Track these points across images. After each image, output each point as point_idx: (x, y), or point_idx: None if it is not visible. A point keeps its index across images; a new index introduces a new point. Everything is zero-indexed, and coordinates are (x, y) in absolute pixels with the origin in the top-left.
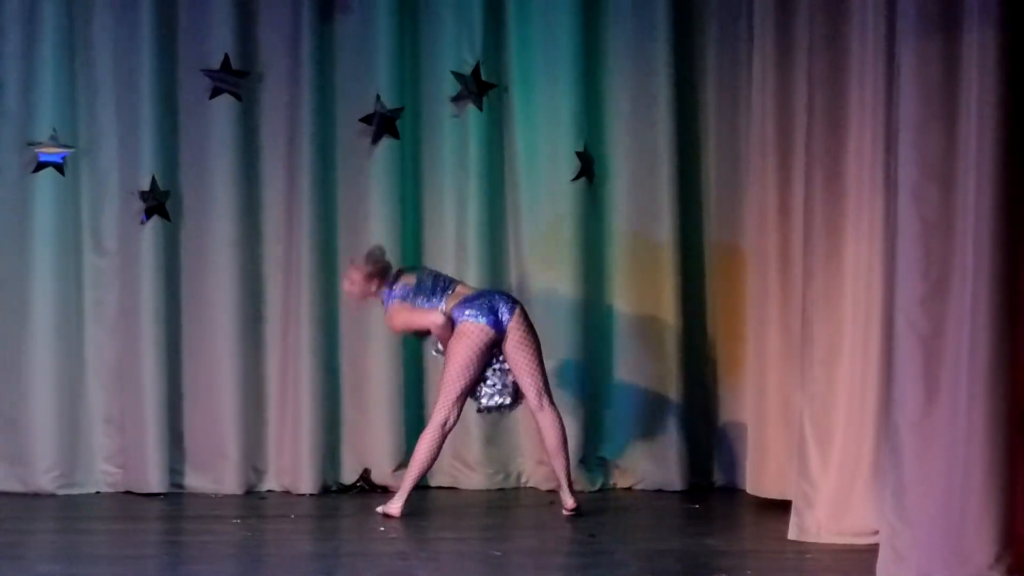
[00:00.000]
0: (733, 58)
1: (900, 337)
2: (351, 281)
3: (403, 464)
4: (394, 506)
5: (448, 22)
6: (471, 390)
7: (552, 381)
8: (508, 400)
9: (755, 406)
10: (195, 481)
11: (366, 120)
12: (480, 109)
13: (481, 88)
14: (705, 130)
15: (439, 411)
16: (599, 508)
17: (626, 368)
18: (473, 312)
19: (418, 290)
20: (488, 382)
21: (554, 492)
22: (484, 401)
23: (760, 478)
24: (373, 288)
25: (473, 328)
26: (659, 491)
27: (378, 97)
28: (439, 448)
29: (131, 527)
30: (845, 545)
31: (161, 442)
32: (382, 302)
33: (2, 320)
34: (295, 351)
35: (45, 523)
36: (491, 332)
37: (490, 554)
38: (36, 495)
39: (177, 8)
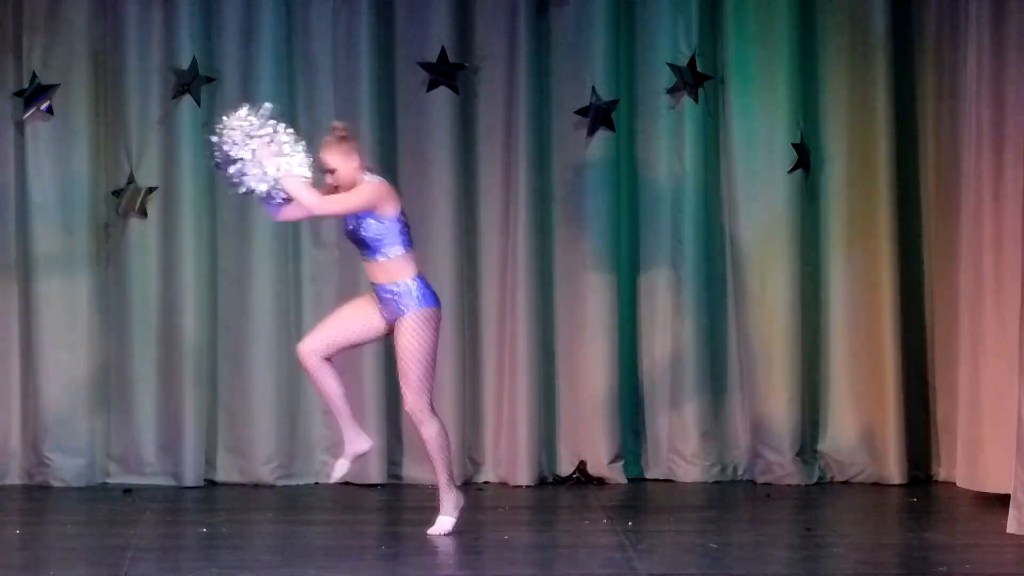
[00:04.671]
0: (952, 45)
1: None
2: (331, 162)
3: (619, 456)
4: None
5: (664, 13)
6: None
7: (768, 373)
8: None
9: (970, 398)
10: (413, 472)
11: (582, 112)
12: (695, 101)
13: (697, 80)
14: (923, 119)
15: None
16: (816, 502)
17: (843, 361)
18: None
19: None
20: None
21: (770, 485)
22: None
23: (976, 471)
24: (356, 164)
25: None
26: (876, 484)
27: (593, 89)
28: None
29: (349, 518)
30: None
31: (380, 433)
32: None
33: (224, 312)
34: (512, 342)
35: (264, 514)
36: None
37: (708, 547)
38: (256, 485)
39: (395, 2)
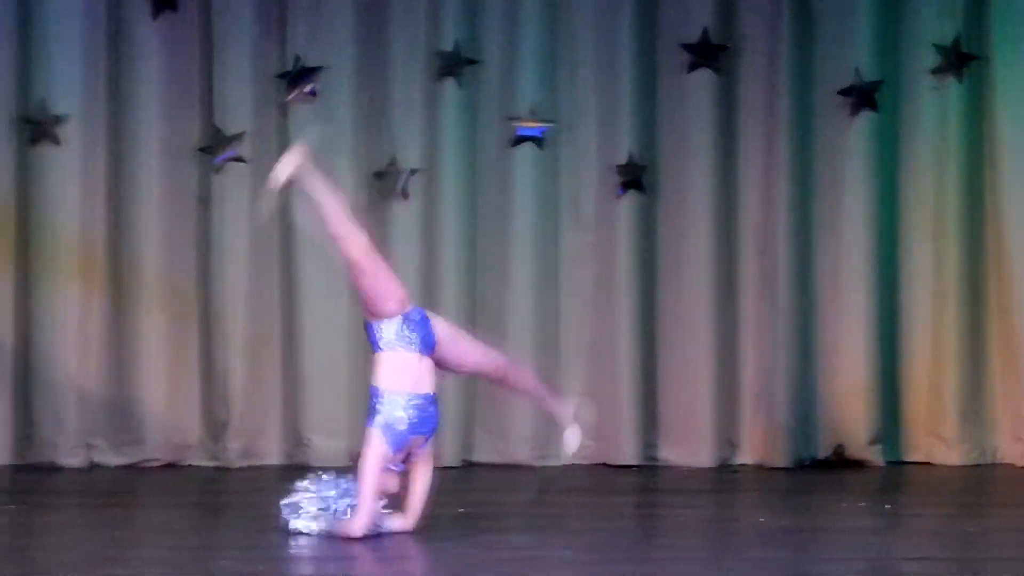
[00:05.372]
0: None
1: None
2: None
3: (877, 439)
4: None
5: None
6: None
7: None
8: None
9: None
10: (668, 454)
11: (845, 93)
12: (960, 81)
13: (961, 60)
14: None
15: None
16: None
17: None
18: None
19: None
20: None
21: None
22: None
23: None
24: None
25: None
26: None
27: (856, 70)
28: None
29: (604, 499)
30: None
31: (635, 415)
32: None
33: (482, 294)
34: (771, 323)
35: (520, 494)
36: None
37: (966, 531)
38: (513, 466)
39: None
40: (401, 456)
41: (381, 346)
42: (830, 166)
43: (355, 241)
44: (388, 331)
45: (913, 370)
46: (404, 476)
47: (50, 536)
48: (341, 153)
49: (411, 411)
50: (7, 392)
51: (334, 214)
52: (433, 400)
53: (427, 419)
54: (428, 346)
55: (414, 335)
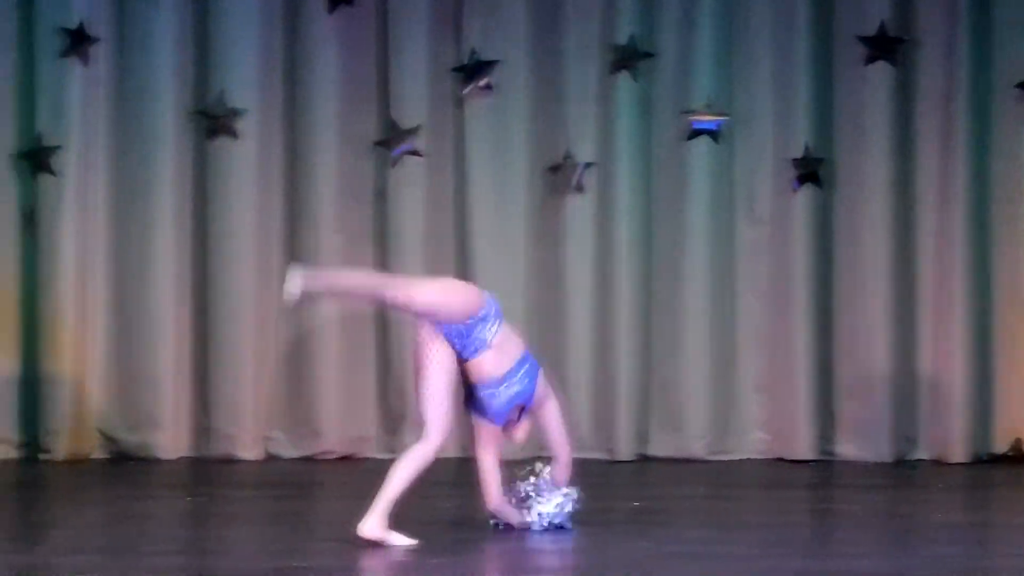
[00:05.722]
0: None
1: None
2: None
3: None
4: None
5: None
6: None
7: None
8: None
9: None
10: (845, 449)
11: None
12: None
13: None
14: None
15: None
16: None
17: None
18: None
19: None
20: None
21: None
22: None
23: None
24: None
25: None
26: None
27: None
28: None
29: (780, 494)
30: None
31: (812, 410)
32: None
33: (658, 287)
34: (947, 318)
35: (695, 489)
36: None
37: None
38: (688, 460)
39: None
40: (513, 418)
41: (488, 345)
42: (1009, 160)
43: (391, 285)
44: (481, 331)
45: None
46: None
47: (228, 528)
48: (516, 147)
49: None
50: (186, 385)
51: (358, 282)
52: (520, 367)
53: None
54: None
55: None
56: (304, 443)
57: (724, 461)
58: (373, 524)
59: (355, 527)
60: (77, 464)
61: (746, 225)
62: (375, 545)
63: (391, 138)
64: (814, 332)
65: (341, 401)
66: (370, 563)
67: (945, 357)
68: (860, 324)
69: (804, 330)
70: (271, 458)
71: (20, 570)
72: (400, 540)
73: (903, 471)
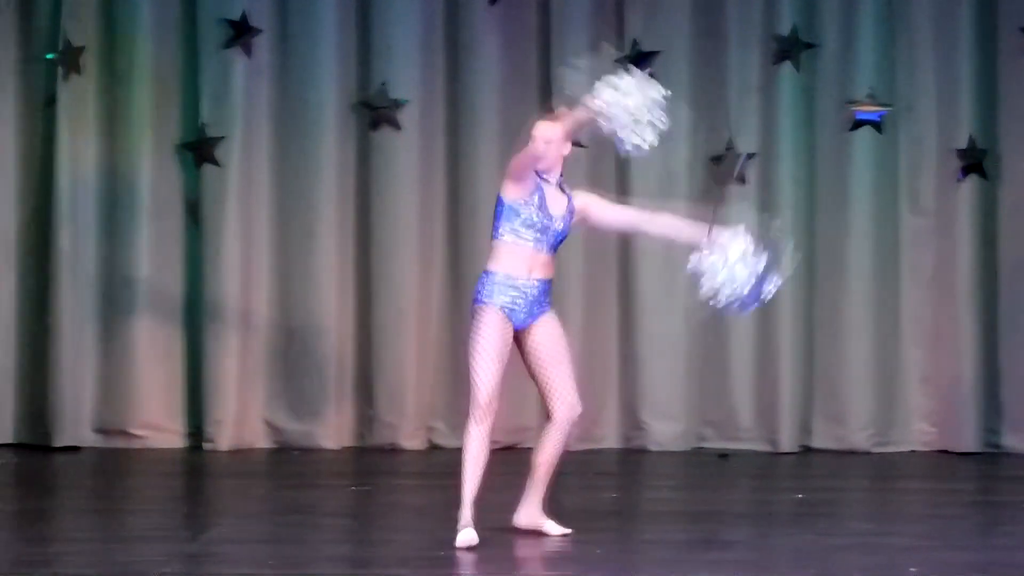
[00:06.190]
0: None
1: None
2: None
3: None
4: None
5: None
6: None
7: None
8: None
9: None
10: (1012, 440)
11: None
12: None
13: None
14: None
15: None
16: None
17: None
18: None
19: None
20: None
21: None
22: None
23: None
24: (566, 151)
25: None
26: None
27: None
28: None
29: (945, 486)
30: None
31: (976, 401)
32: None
33: (821, 279)
34: None
35: (859, 481)
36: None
37: None
38: (851, 452)
39: None
40: None
41: None
42: None
43: None
44: None
45: None
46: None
47: (393, 516)
48: (678, 137)
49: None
50: (349, 376)
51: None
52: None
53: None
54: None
55: None
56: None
57: (888, 453)
58: (529, 513)
59: (515, 517)
60: (241, 454)
61: (910, 216)
62: (532, 534)
63: None
64: (979, 323)
65: (503, 392)
66: (528, 552)
67: None
68: None
69: (969, 321)
70: (433, 448)
71: (186, 559)
72: (554, 529)
73: None
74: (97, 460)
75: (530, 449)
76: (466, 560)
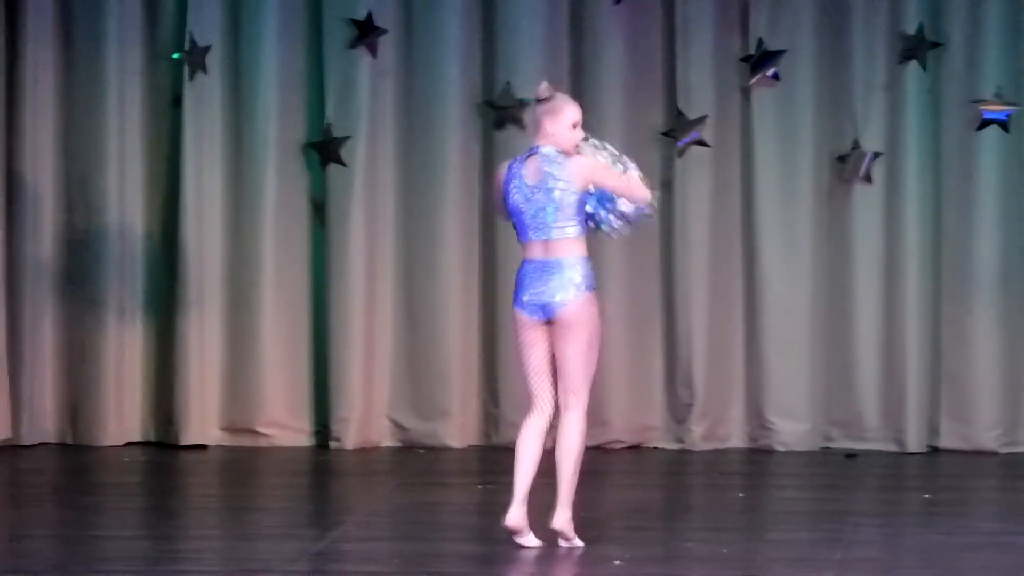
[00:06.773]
0: None
1: None
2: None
3: None
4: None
5: None
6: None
7: None
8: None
9: None
10: None
11: None
12: None
13: None
14: None
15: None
16: None
17: None
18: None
19: None
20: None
21: None
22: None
23: None
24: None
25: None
26: None
27: None
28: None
29: None
30: None
31: None
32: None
33: (947, 277)
34: None
35: (987, 481)
36: None
37: None
38: (979, 452)
39: None
40: None
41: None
42: None
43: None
44: None
45: None
46: None
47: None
48: (802, 137)
49: None
50: (474, 374)
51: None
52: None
53: None
54: None
55: None
56: (592, 433)
57: (1016, 453)
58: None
59: (643, 516)
60: (367, 452)
61: None
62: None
63: (677, 128)
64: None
65: (628, 391)
66: (654, 552)
67: None
68: None
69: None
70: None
71: (312, 557)
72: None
73: None
74: (224, 458)
75: (656, 449)
76: (595, 555)
